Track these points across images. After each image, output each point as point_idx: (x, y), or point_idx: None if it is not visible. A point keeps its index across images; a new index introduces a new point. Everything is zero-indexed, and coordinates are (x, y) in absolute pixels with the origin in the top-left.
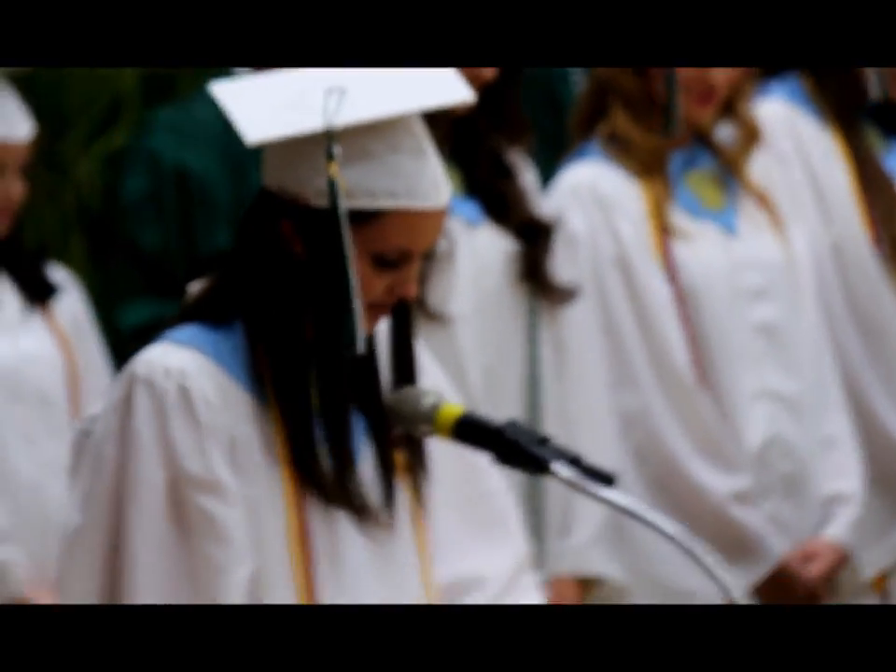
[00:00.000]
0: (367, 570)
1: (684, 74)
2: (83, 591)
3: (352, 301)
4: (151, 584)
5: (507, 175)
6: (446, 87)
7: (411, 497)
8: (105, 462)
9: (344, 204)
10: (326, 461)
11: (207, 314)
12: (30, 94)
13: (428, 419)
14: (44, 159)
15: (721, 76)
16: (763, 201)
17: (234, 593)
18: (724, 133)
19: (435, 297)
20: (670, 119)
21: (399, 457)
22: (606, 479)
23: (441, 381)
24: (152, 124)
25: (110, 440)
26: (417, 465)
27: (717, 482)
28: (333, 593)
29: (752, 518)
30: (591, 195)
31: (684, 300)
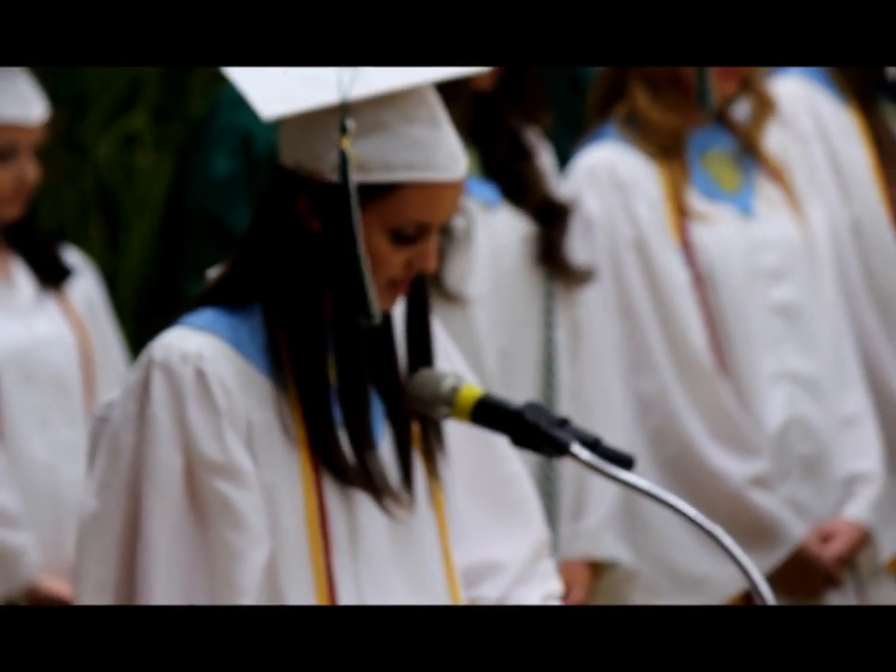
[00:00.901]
0: (387, 551)
1: None
2: (100, 577)
3: (362, 272)
4: (168, 570)
5: (525, 156)
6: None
7: (428, 477)
8: (123, 447)
9: (358, 178)
10: (344, 443)
11: (225, 297)
12: (48, 75)
13: (448, 402)
14: (63, 140)
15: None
16: (781, 178)
17: (251, 577)
18: (739, 111)
19: (452, 278)
20: (705, 94)
21: (416, 437)
22: (625, 462)
23: (457, 362)
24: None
25: (127, 425)
26: (434, 445)
27: (734, 466)
28: (352, 576)
29: (770, 502)
30: (608, 178)
31: (702, 282)
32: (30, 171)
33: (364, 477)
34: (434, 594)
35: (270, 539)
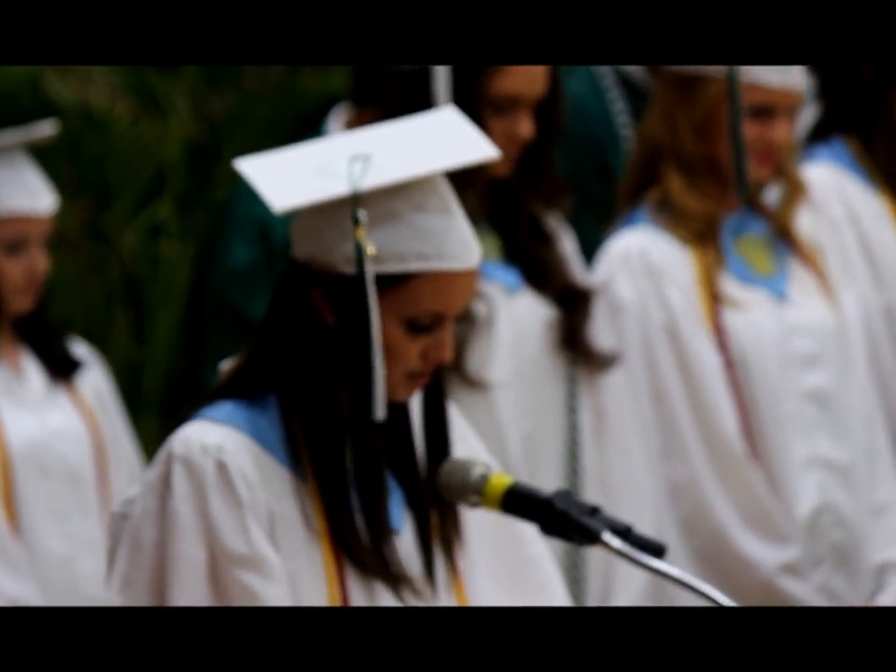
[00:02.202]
0: None
1: (746, 133)
2: None
3: (374, 364)
4: None
5: (546, 241)
6: (470, 146)
7: (448, 564)
8: (145, 543)
9: (372, 269)
10: (363, 533)
11: (241, 389)
12: (74, 166)
13: (478, 490)
14: (88, 230)
15: (781, 134)
16: (814, 263)
17: None
18: (769, 196)
19: (474, 363)
20: (743, 181)
21: (434, 526)
22: (657, 550)
23: (476, 447)
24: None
25: (149, 520)
26: (451, 534)
27: (766, 553)
28: None
29: (802, 590)
30: (640, 263)
31: (734, 367)
32: (40, 262)
33: (381, 566)
34: None
35: None
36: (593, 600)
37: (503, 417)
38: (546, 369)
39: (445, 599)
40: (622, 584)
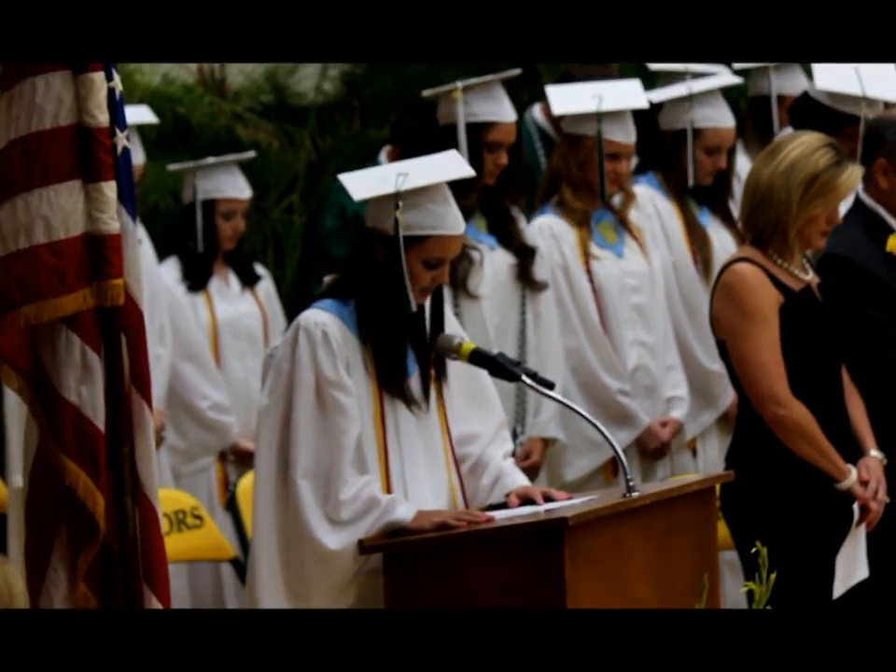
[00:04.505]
0: (414, 433)
1: (608, 168)
2: (268, 439)
3: (406, 283)
4: (306, 438)
5: (511, 221)
6: (458, 168)
7: (437, 394)
8: (282, 372)
9: (404, 233)
10: (395, 376)
11: (334, 294)
12: (247, 170)
13: (456, 351)
14: (255, 208)
15: (625, 168)
16: (638, 237)
17: (350, 442)
18: (615, 201)
19: (472, 285)
20: (602, 191)
21: (432, 372)
22: (549, 384)
23: (458, 329)
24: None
25: (285, 359)
26: (441, 376)
27: (613, 384)
28: (396, 447)
29: (632, 404)
30: (549, 232)
31: (597, 291)
32: (241, 224)
33: (403, 394)
34: (438, 456)
35: (358, 424)
36: (530, 413)
37: (486, 316)
38: (509, 289)
39: (435, 412)
40: (545, 406)
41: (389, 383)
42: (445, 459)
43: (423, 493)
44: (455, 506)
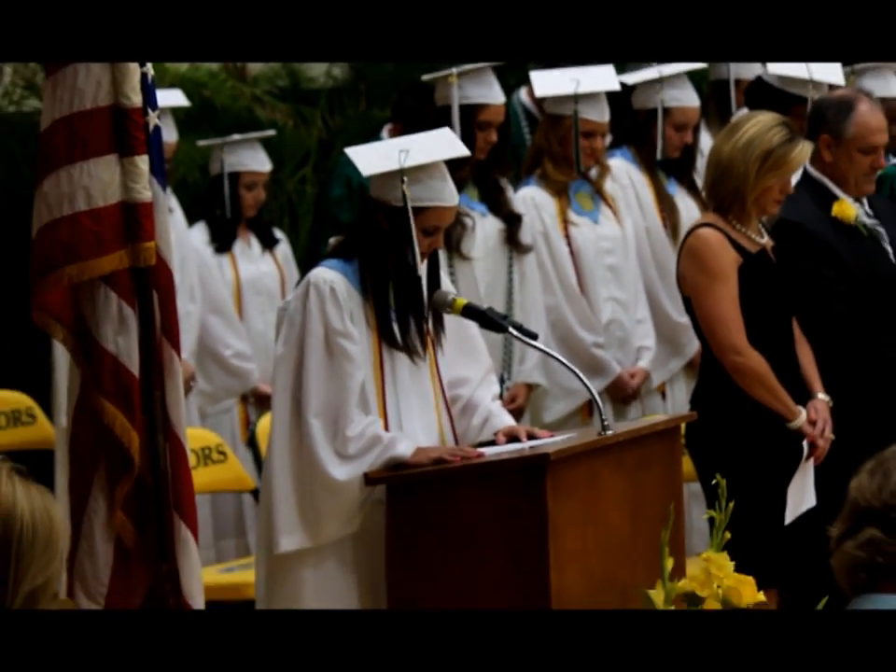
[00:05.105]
0: (408, 381)
1: (584, 144)
2: (284, 384)
3: (415, 249)
4: (317, 381)
5: (500, 191)
6: (454, 148)
7: (431, 346)
8: (294, 323)
9: (409, 204)
10: (394, 328)
11: (340, 254)
12: (266, 146)
13: (450, 305)
14: (274, 181)
15: (600, 144)
16: (612, 205)
17: (356, 387)
18: (593, 173)
19: (465, 248)
20: (578, 165)
21: (427, 326)
22: (533, 335)
23: (450, 287)
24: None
25: (297, 311)
26: (438, 328)
27: (588, 337)
28: (392, 391)
29: (605, 355)
30: (532, 202)
31: (575, 253)
32: (262, 194)
33: (400, 345)
34: (429, 400)
35: (363, 369)
36: (515, 361)
37: (477, 275)
38: (498, 252)
39: (427, 363)
40: (529, 355)
41: (389, 335)
42: (435, 402)
43: (415, 430)
44: (443, 442)
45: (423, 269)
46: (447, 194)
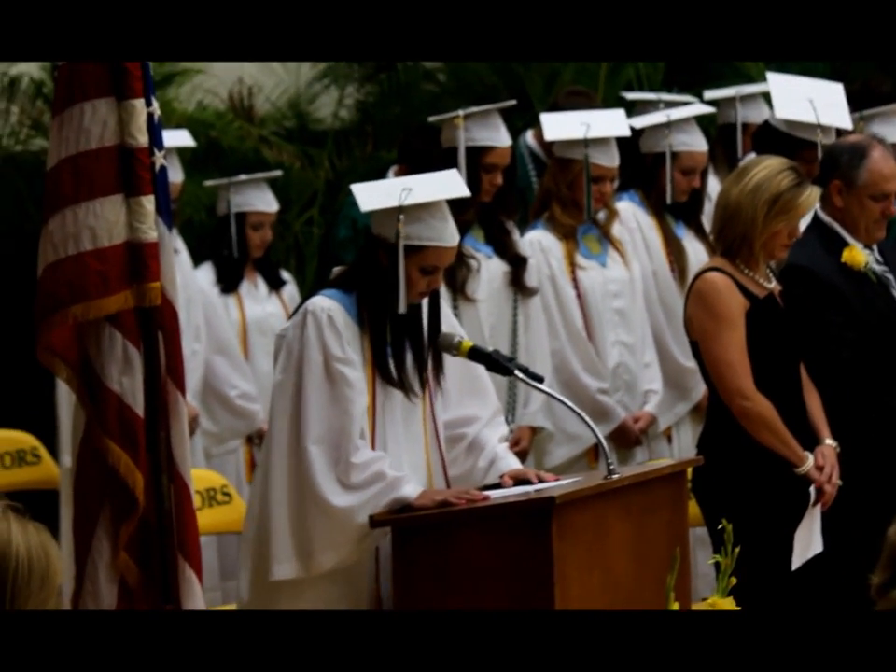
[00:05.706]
0: (399, 419)
1: (593, 189)
2: (281, 412)
3: (400, 286)
4: (317, 409)
5: (506, 233)
6: (456, 188)
7: (428, 385)
8: (293, 351)
9: (405, 242)
10: (390, 364)
11: (341, 285)
12: (272, 187)
13: (456, 348)
14: (279, 222)
15: (609, 189)
16: (620, 248)
17: (359, 413)
18: (601, 216)
19: (470, 289)
20: (589, 209)
21: (428, 364)
22: (539, 378)
23: (457, 327)
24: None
25: (295, 339)
26: (438, 369)
27: (593, 384)
28: (381, 423)
29: (610, 401)
30: (539, 245)
31: (582, 297)
32: (269, 235)
33: (398, 382)
34: (418, 439)
35: (365, 395)
36: (520, 403)
37: (482, 317)
38: (503, 294)
39: (420, 402)
40: (534, 397)
41: (384, 369)
42: (425, 442)
43: (401, 469)
44: (431, 483)
45: (424, 307)
46: (447, 234)
